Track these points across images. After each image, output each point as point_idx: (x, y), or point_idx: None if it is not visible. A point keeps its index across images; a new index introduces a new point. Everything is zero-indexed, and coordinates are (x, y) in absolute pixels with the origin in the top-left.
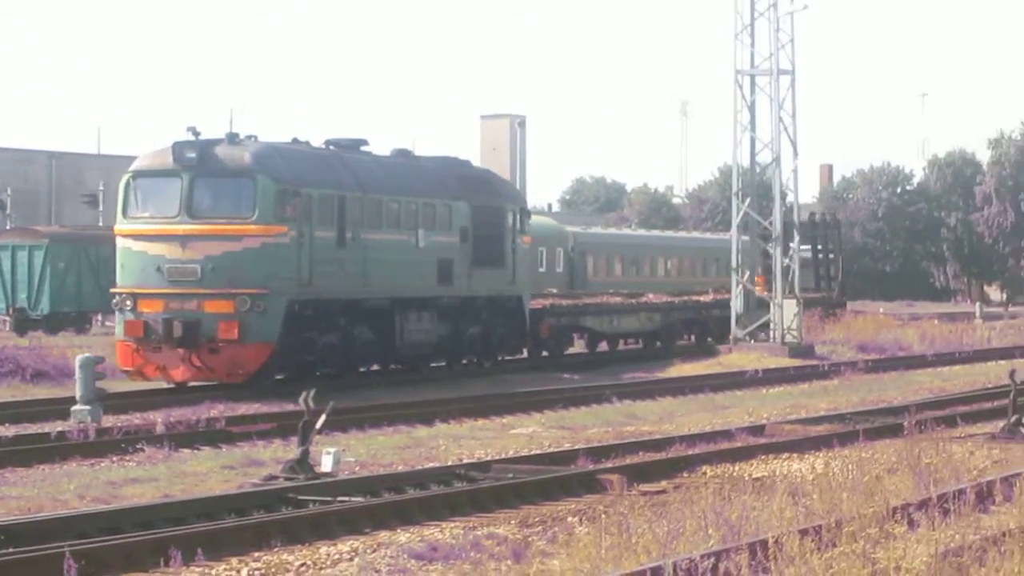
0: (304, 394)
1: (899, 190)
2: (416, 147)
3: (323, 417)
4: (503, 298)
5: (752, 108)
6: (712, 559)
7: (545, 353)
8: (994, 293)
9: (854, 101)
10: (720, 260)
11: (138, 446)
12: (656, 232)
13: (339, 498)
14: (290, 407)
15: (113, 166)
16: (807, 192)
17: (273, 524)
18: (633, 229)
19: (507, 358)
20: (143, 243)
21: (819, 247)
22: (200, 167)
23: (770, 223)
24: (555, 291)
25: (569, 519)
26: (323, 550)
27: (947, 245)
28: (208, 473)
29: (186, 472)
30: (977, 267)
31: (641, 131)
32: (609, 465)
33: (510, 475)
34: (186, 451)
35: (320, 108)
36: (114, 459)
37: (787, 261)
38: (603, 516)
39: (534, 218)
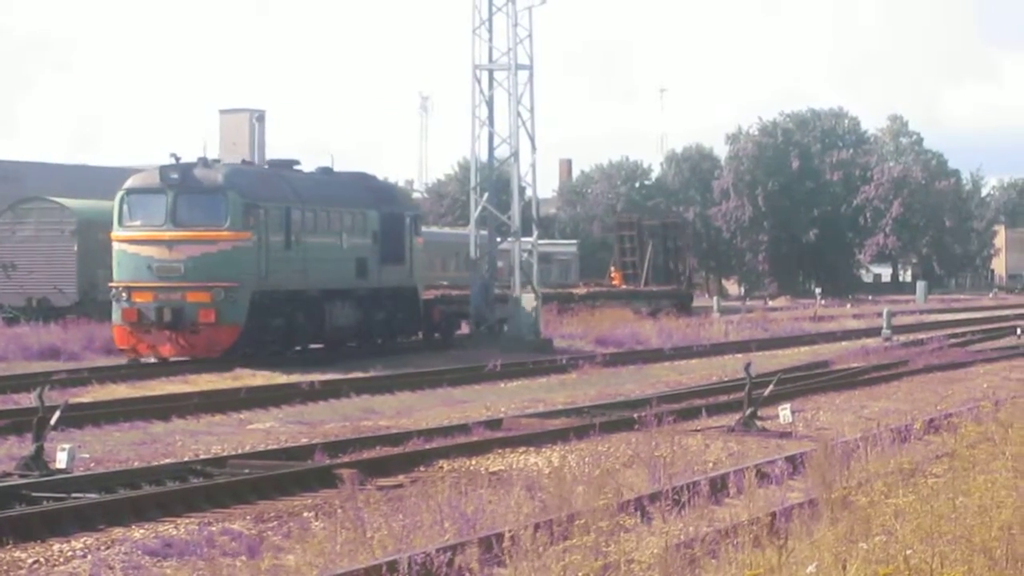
0: (38, 389)
1: (638, 185)
2: (153, 144)
3: (57, 413)
4: (404, 289)
5: (490, 103)
6: (448, 553)
7: (437, 335)
8: (732, 287)
9: (593, 96)
10: (459, 255)
11: None
12: None
13: (73, 495)
14: (26, 403)
15: None
16: (546, 187)
17: (5, 521)
18: None
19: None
20: (136, 246)
21: (669, 245)
22: (182, 185)
23: (509, 218)
24: (446, 283)
25: (305, 514)
26: (56, 547)
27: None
28: None
29: None
30: (715, 261)
31: (382, 125)
32: (346, 460)
33: (246, 471)
34: None
35: (58, 100)
36: None
37: (525, 255)
38: (339, 511)
39: None
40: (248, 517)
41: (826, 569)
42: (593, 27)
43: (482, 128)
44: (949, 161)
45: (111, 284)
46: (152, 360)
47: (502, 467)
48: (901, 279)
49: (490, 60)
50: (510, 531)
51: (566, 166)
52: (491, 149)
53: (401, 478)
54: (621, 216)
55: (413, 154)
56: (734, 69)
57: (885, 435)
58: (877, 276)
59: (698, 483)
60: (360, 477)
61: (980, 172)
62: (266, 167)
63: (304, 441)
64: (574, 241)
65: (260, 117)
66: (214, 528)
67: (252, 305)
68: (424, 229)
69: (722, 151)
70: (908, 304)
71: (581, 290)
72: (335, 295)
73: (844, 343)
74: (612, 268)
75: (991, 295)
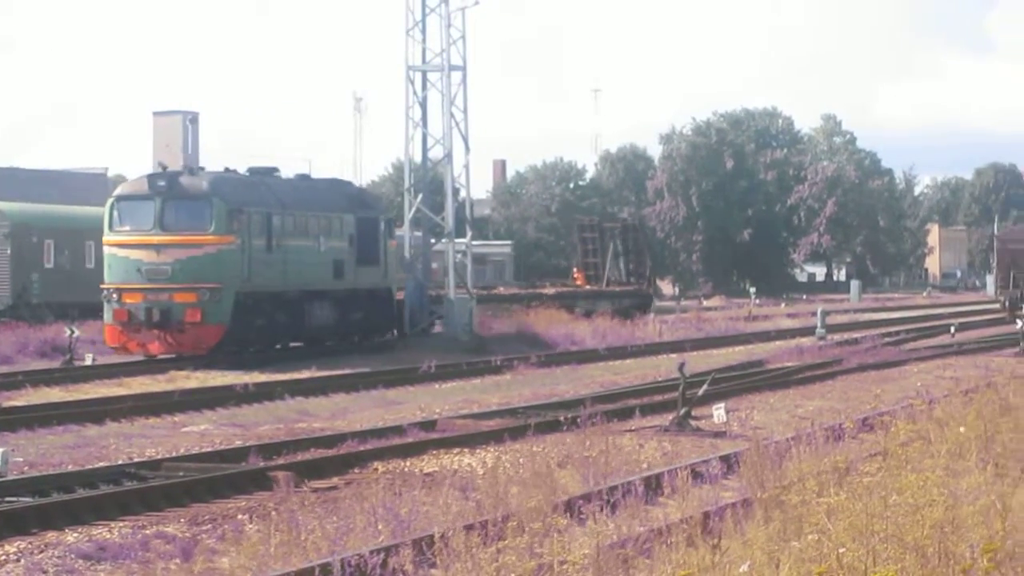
0: None
1: (572, 185)
2: (87, 147)
3: None
4: (378, 289)
5: (424, 104)
6: (381, 555)
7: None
8: (666, 287)
9: (527, 97)
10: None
11: None
12: None
13: (6, 499)
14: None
15: None
16: (480, 187)
17: None
18: None
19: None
20: (126, 250)
21: (629, 246)
22: (169, 192)
23: (442, 218)
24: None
25: (239, 517)
26: None
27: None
28: None
29: None
30: (651, 260)
31: (317, 126)
32: (280, 462)
33: (180, 473)
34: None
35: None
36: None
37: (459, 256)
38: (273, 513)
39: None
40: (182, 520)
41: (759, 568)
42: (527, 28)
43: (416, 129)
44: (882, 160)
45: (103, 286)
46: (141, 357)
47: (436, 468)
48: (835, 278)
49: (423, 61)
50: (442, 533)
51: (500, 167)
52: (425, 150)
53: (335, 480)
54: (583, 219)
55: (348, 155)
56: (668, 69)
57: (819, 434)
58: (811, 275)
59: (632, 483)
60: (294, 479)
61: (913, 171)
62: (248, 174)
63: (238, 443)
64: (508, 242)
65: (193, 119)
66: (148, 531)
67: (236, 305)
68: None
69: (656, 151)
70: (842, 303)
71: (550, 290)
72: (314, 295)
73: (778, 342)
74: (575, 269)
75: (925, 294)
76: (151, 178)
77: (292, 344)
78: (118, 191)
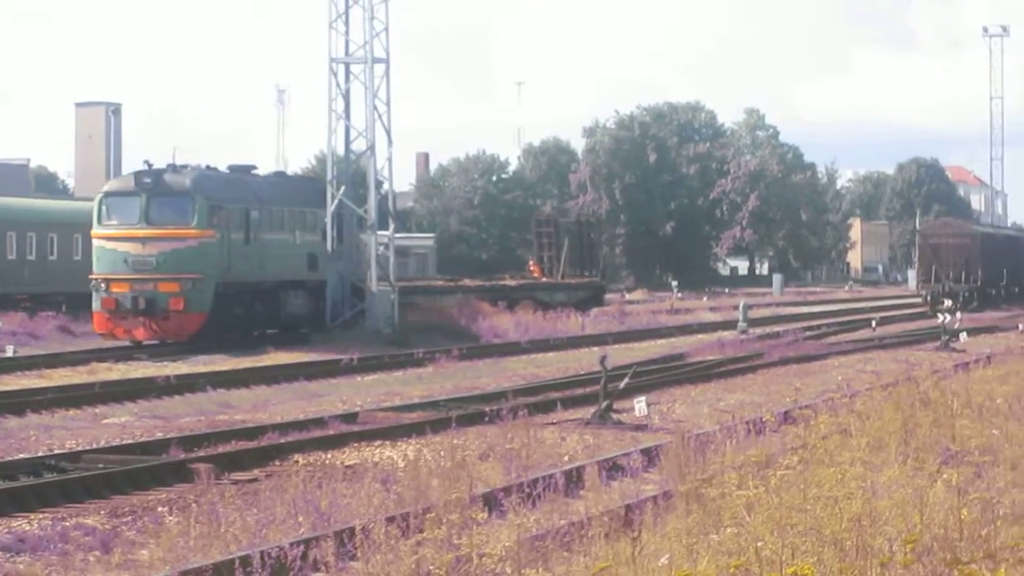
0: None
1: (495, 178)
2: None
3: None
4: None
5: (347, 96)
6: (301, 547)
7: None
8: None
9: (451, 89)
10: None
11: None
12: None
13: None
14: None
15: None
16: (403, 180)
17: None
18: None
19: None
20: (113, 243)
21: (583, 241)
22: (154, 189)
23: (365, 211)
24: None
25: (159, 509)
26: None
27: None
28: None
29: None
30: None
31: (240, 118)
32: (201, 454)
33: (101, 465)
34: None
35: None
36: None
37: (382, 249)
38: (193, 505)
39: None
40: (102, 512)
41: (678, 561)
42: (450, 20)
43: (338, 121)
44: (805, 155)
45: (91, 276)
46: (128, 343)
47: (358, 461)
48: (757, 272)
49: (346, 53)
50: (362, 525)
51: (423, 159)
52: (348, 142)
53: (256, 472)
54: (540, 214)
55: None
56: (591, 63)
57: (740, 427)
58: (734, 269)
59: (553, 476)
60: (215, 471)
61: (835, 165)
62: (227, 172)
63: (159, 436)
64: (431, 234)
65: (116, 110)
66: (68, 523)
67: (216, 295)
68: None
69: (579, 144)
70: (764, 297)
71: (511, 282)
72: (289, 285)
73: (700, 336)
74: (531, 262)
75: (847, 288)
76: (137, 175)
77: (269, 331)
78: (107, 187)
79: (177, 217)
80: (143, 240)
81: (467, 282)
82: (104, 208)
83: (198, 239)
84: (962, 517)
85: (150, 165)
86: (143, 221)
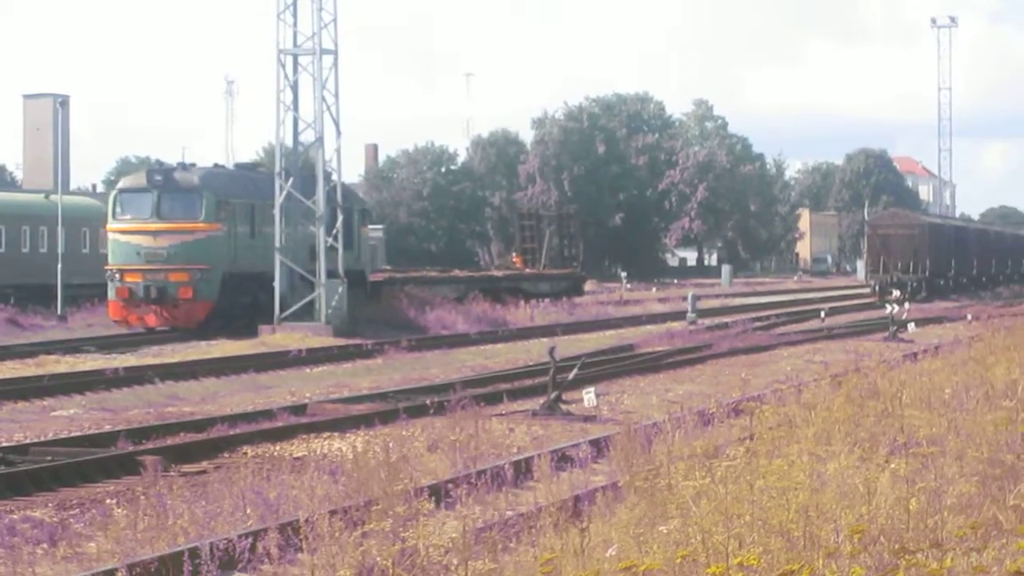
0: None
1: (444, 170)
2: None
3: None
4: (353, 272)
5: (295, 87)
6: (249, 539)
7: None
8: None
9: (400, 81)
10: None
11: None
12: None
13: None
14: None
15: None
16: (352, 171)
17: None
18: None
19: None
20: (127, 236)
21: (564, 233)
22: (165, 185)
23: (313, 202)
24: (388, 267)
25: (107, 501)
26: None
27: (491, 224)
28: None
29: None
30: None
31: (189, 109)
32: (150, 446)
33: (49, 458)
34: None
35: None
36: None
37: (330, 240)
38: (142, 498)
39: (77, 199)
40: (50, 505)
41: (626, 551)
42: (399, 11)
43: (287, 113)
44: (753, 146)
45: (106, 267)
46: (141, 329)
47: (306, 452)
48: (706, 263)
49: (295, 45)
50: (307, 517)
51: (372, 151)
52: (296, 134)
53: (205, 464)
54: (522, 208)
55: (220, 139)
56: (540, 54)
57: (689, 418)
58: (683, 260)
59: (502, 467)
60: (163, 464)
61: (782, 156)
62: (234, 169)
63: (108, 428)
64: (380, 226)
65: (64, 102)
66: (15, 516)
67: (223, 284)
68: None
69: (528, 136)
70: (713, 288)
71: (498, 273)
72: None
73: (649, 327)
74: (514, 254)
75: (796, 278)
76: (149, 173)
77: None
78: (121, 184)
79: (186, 212)
80: (155, 233)
81: (457, 273)
82: (118, 204)
83: (206, 232)
84: (909, 507)
85: (161, 164)
86: (155, 216)
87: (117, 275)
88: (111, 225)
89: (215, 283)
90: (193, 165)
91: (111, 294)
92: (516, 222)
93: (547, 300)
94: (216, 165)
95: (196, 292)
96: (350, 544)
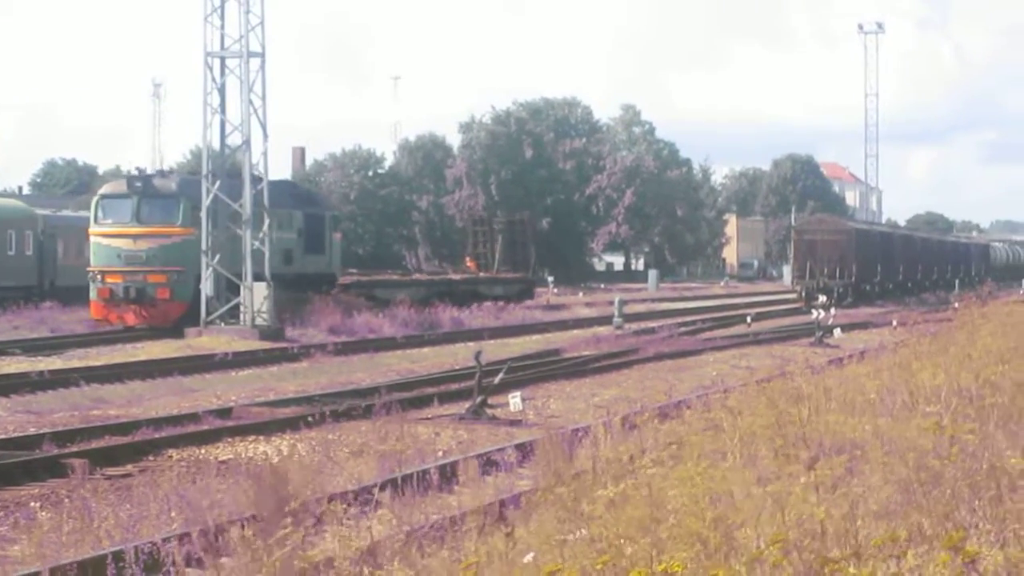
0: None
1: (371, 173)
2: None
3: None
4: (324, 275)
5: (222, 90)
6: (173, 542)
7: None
8: None
9: (327, 84)
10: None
11: None
12: None
13: None
14: None
15: None
16: (279, 174)
17: None
18: None
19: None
20: (108, 239)
21: (515, 239)
22: (144, 192)
23: (240, 205)
24: (355, 271)
25: (32, 504)
26: None
27: (419, 228)
28: None
29: None
30: (448, 249)
31: (115, 112)
32: (75, 449)
33: None
34: None
35: None
36: None
37: (257, 244)
38: (66, 501)
39: (3, 202)
40: None
41: (547, 558)
42: (327, 14)
43: (214, 116)
44: (680, 151)
45: (89, 269)
46: (121, 327)
47: (231, 455)
48: (633, 268)
49: (222, 47)
50: (228, 520)
51: (300, 154)
52: (223, 137)
53: (130, 467)
54: (475, 213)
55: (147, 142)
56: (468, 58)
57: (614, 423)
58: (609, 264)
59: (427, 471)
60: (88, 467)
61: (709, 162)
62: None
63: (32, 431)
64: None
65: None
66: None
67: (197, 286)
68: None
69: (455, 140)
70: (640, 292)
71: (457, 276)
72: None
73: (576, 331)
74: (467, 258)
75: (723, 283)
76: (130, 180)
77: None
78: (102, 191)
79: (164, 217)
80: (134, 237)
81: (419, 276)
82: (100, 209)
83: (183, 236)
84: (829, 514)
85: (141, 171)
86: (134, 220)
87: (99, 276)
88: (93, 229)
89: (191, 284)
90: (171, 172)
91: (93, 294)
92: (469, 227)
93: (501, 302)
94: (193, 173)
95: (173, 293)
96: (265, 549)
